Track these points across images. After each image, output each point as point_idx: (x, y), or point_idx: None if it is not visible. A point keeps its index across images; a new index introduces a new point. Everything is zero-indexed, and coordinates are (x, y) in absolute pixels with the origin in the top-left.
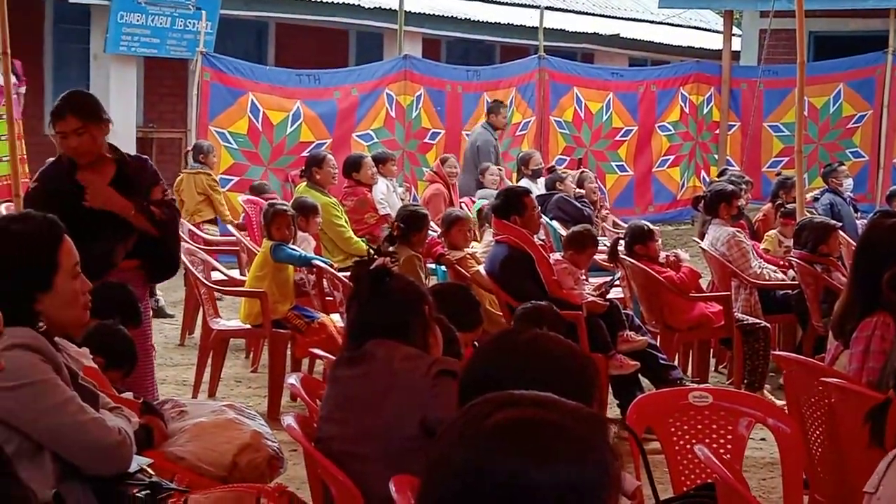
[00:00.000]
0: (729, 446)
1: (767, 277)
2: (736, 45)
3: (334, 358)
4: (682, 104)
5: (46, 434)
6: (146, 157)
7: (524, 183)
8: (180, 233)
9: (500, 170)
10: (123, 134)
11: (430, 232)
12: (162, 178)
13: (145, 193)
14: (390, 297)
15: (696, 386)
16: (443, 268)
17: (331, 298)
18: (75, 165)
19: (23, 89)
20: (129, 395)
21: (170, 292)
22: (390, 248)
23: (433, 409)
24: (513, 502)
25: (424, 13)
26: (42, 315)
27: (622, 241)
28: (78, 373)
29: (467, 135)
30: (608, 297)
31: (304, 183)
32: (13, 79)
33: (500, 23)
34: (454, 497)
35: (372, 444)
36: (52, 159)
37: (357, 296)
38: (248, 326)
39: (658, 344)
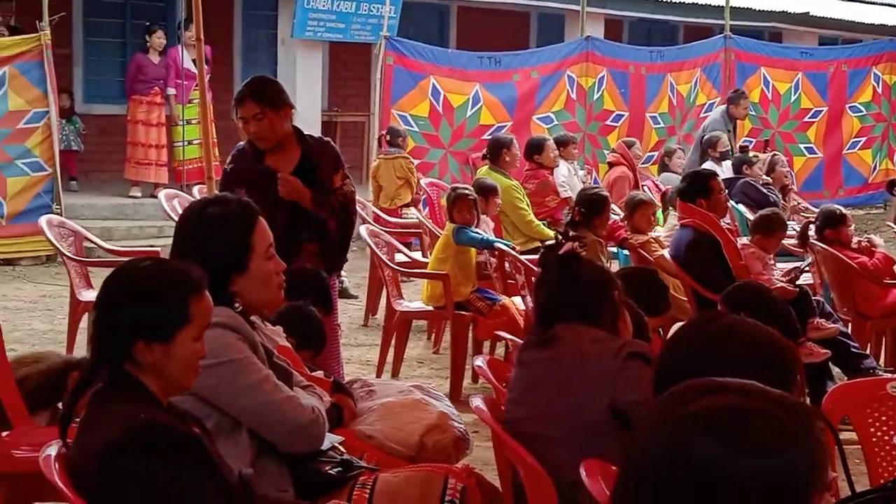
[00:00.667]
0: None
1: None
2: None
3: (517, 340)
4: (875, 84)
5: (243, 411)
6: (329, 139)
7: (709, 165)
8: (357, 218)
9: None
10: (309, 118)
11: (611, 215)
12: (343, 163)
13: (327, 180)
14: (579, 282)
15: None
16: (625, 252)
17: (512, 281)
18: (262, 150)
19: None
20: (319, 373)
21: (353, 274)
22: (571, 233)
23: (623, 392)
24: (713, 492)
25: None
26: (237, 295)
27: (812, 226)
28: (273, 351)
29: (651, 117)
30: (798, 283)
31: (486, 166)
32: None
33: (684, 2)
34: (652, 483)
35: (561, 426)
36: (241, 143)
37: (545, 280)
38: (431, 308)
39: (850, 332)
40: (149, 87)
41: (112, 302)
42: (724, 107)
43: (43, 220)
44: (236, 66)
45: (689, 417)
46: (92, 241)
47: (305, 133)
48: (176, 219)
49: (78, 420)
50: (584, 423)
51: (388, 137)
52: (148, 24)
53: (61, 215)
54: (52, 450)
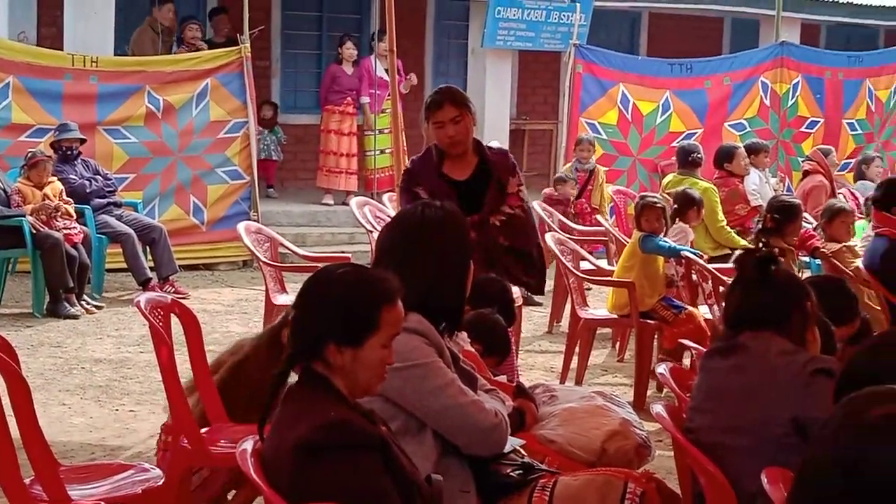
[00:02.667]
0: None
1: None
2: None
3: (702, 349)
4: None
5: (429, 413)
6: (506, 149)
7: None
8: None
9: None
10: (497, 126)
11: (804, 224)
12: (519, 171)
13: (503, 183)
14: (774, 287)
15: None
16: (817, 262)
17: (699, 290)
18: (443, 157)
19: (401, 86)
20: (503, 377)
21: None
22: (762, 240)
23: (806, 409)
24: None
25: None
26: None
27: None
28: (458, 356)
29: (848, 123)
30: None
31: (676, 171)
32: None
33: (884, 6)
34: (833, 488)
35: (743, 437)
36: (417, 155)
37: (740, 282)
38: (616, 316)
39: None
40: (342, 97)
41: (309, 304)
42: None
43: (241, 227)
44: (427, 76)
45: (870, 422)
46: (286, 247)
47: (483, 144)
48: (367, 226)
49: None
50: (767, 435)
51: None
52: (341, 35)
53: (258, 222)
54: (248, 444)
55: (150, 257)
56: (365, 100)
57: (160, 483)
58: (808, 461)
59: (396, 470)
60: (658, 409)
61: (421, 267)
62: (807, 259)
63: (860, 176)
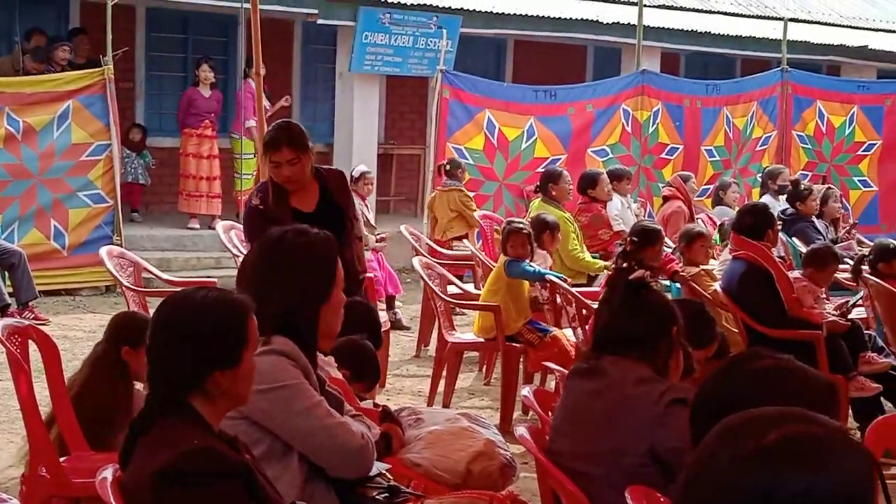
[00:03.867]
0: None
1: None
2: None
3: (566, 372)
4: None
5: (295, 435)
6: (340, 169)
7: (767, 199)
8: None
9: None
10: (365, 151)
11: (664, 248)
12: (351, 192)
13: (345, 205)
14: (643, 311)
15: None
16: (677, 285)
17: (564, 313)
18: (283, 192)
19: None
20: (369, 403)
21: (407, 305)
22: (623, 264)
23: (662, 439)
24: None
25: (663, 27)
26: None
27: (866, 260)
28: (325, 380)
29: (706, 150)
30: (850, 316)
31: (540, 198)
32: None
33: (741, 36)
34: None
35: (602, 465)
36: (264, 182)
37: (609, 302)
38: (482, 340)
39: None
40: (199, 120)
41: (175, 339)
42: None
43: (103, 251)
44: (295, 101)
45: (768, 450)
46: (151, 272)
47: (318, 166)
48: (233, 250)
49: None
50: (625, 464)
51: (447, 167)
52: (199, 58)
53: (121, 246)
54: (108, 473)
55: (8, 283)
56: (251, 123)
57: None
58: (702, 494)
59: (260, 499)
60: (521, 431)
61: (281, 289)
62: (667, 283)
63: (718, 202)
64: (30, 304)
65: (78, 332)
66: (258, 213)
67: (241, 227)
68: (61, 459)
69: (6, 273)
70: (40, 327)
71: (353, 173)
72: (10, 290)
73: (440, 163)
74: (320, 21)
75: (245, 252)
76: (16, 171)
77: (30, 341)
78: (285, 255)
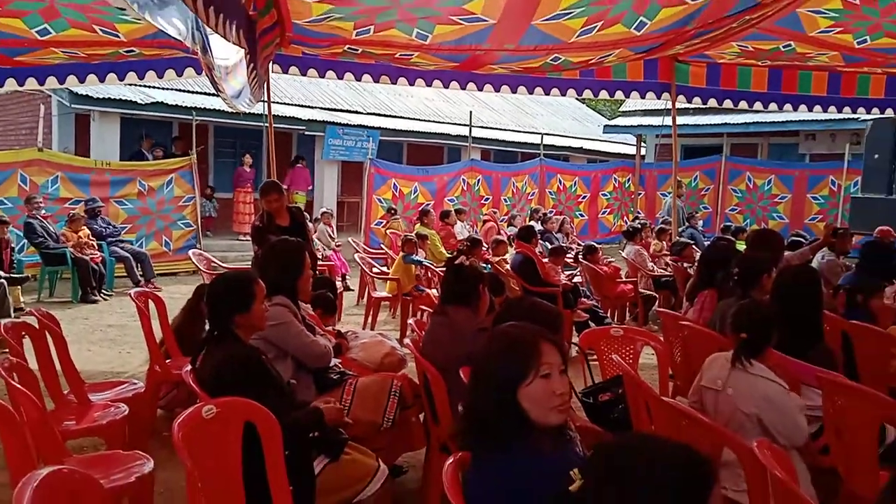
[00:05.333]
0: (631, 358)
1: (655, 271)
2: (642, 151)
3: (432, 311)
4: (614, 182)
5: (290, 347)
6: (299, 206)
7: (532, 223)
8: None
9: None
10: (330, 199)
11: (482, 248)
12: (305, 217)
13: (306, 228)
14: (463, 278)
15: (616, 325)
16: (488, 266)
17: (433, 281)
18: (272, 216)
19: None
20: (330, 328)
21: (352, 278)
22: (462, 256)
23: (474, 349)
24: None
25: (483, 137)
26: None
27: (581, 253)
28: (305, 316)
29: (504, 199)
30: (573, 280)
31: (419, 223)
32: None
33: (518, 141)
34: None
35: (444, 357)
36: (258, 217)
37: (446, 276)
38: (391, 295)
39: (599, 304)
40: (244, 183)
41: (215, 295)
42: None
43: (191, 252)
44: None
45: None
46: (216, 263)
47: (290, 205)
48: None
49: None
50: (456, 359)
51: (393, 212)
52: (243, 151)
53: (201, 250)
54: (188, 368)
55: (140, 269)
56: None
57: (142, 391)
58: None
59: (271, 378)
60: (407, 341)
61: (276, 269)
62: (484, 264)
63: (510, 224)
64: (151, 280)
65: (176, 295)
66: (259, 228)
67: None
68: (167, 361)
69: (138, 264)
70: (156, 293)
71: (323, 210)
72: (141, 272)
73: (389, 207)
74: (306, 133)
75: (255, 251)
76: (144, 210)
77: (150, 300)
78: (278, 251)
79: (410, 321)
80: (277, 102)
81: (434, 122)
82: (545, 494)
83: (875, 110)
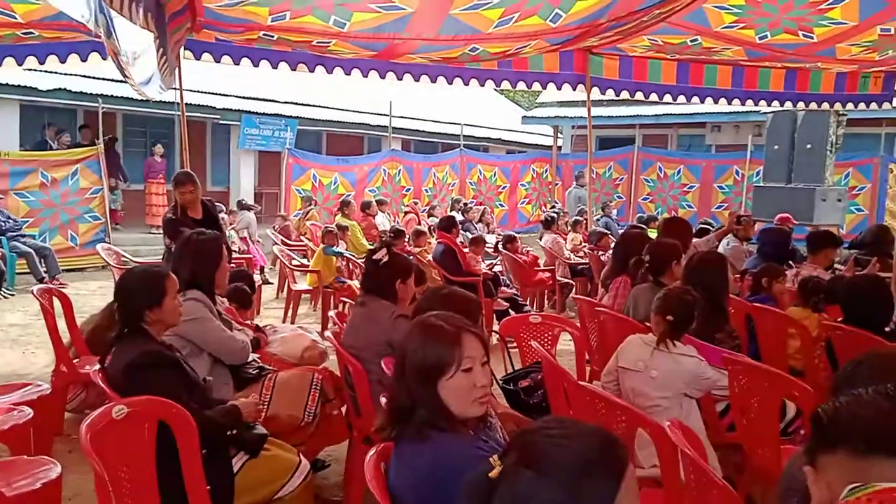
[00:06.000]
0: (549, 344)
1: (571, 260)
2: (559, 142)
3: (353, 302)
4: (533, 172)
5: (206, 343)
6: (212, 199)
7: (454, 213)
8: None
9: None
10: (247, 190)
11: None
12: (216, 213)
13: (216, 218)
14: (382, 270)
15: (535, 313)
16: (411, 257)
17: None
18: (185, 209)
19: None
20: (248, 322)
21: (273, 271)
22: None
23: (393, 336)
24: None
25: (404, 127)
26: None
27: (500, 243)
28: (222, 311)
29: (425, 189)
30: (494, 269)
31: (340, 214)
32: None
33: (439, 132)
34: None
35: (366, 349)
36: (171, 209)
37: (366, 268)
38: (311, 288)
39: (518, 293)
40: (155, 174)
41: (126, 292)
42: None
43: (99, 247)
44: (208, 163)
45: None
46: (126, 257)
47: (203, 198)
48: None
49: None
50: (376, 348)
51: (309, 203)
52: (153, 140)
53: (109, 244)
54: (96, 367)
55: (43, 265)
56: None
57: (48, 393)
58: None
59: (185, 375)
60: (328, 334)
61: (190, 264)
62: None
63: (430, 214)
64: (56, 276)
65: (83, 292)
66: (171, 220)
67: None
68: (74, 361)
69: (42, 260)
70: (61, 289)
71: (240, 201)
72: (45, 269)
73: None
74: (221, 122)
75: (167, 244)
76: (47, 203)
77: (54, 297)
78: (194, 244)
79: (331, 313)
80: (190, 90)
81: (354, 111)
82: (462, 482)
83: (775, 103)
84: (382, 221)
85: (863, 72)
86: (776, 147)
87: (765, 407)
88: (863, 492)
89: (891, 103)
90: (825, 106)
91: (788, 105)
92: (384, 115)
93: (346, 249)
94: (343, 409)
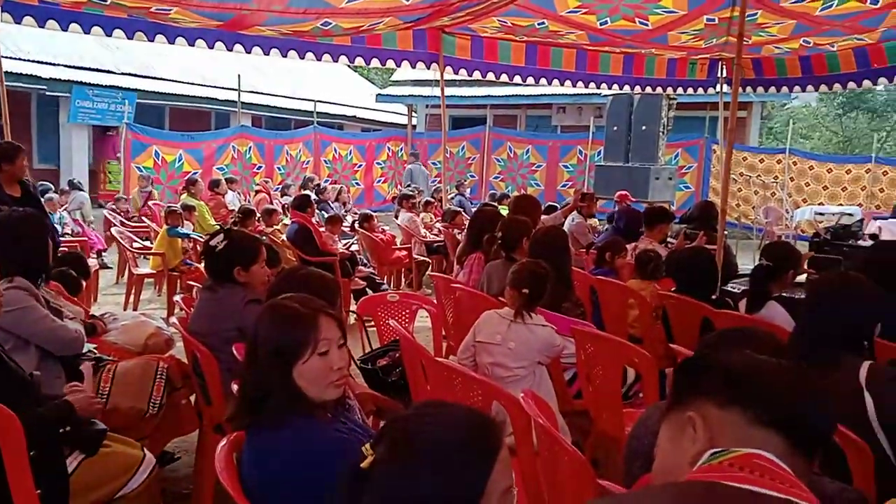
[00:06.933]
0: (406, 321)
1: (427, 237)
2: (414, 121)
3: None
4: (388, 151)
5: (32, 335)
6: (28, 179)
7: (307, 192)
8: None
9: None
10: (81, 168)
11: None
12: (37, 193)
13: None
14: (219, 257)
15: (392, 291)
16: (263, 237)
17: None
18: (2, 185)
19: None
20: (79, 309)
21: (111, 253)
22: (234, 228)
23: (244, 321)
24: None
25: (254, 102)
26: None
27: (357, 221)
28: (50, 300)
29: (278, 167)
30: (350, 249)
31: (186, 193)
32: None
33: (290, 108)
34: None
35: (215, 335)
36: None
37: (204, 254)
38: (155, 272)
39: (375, 272)
40: None
41: None
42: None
43: None
44: (34, 141)
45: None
46: None
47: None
48: None
49: None
50: (226, 334)
51: (146, 182)
52: None
53: None
54: None
55: None
56: None
57: None
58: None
59: (9, 369)
60: (174, 320)
61: (11, 247)
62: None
63: (284, 193)
64: None
65: None
66: None
67: None
68: None
69: None
70: None
71: (71, 181)
72: None
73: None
74: (48, 93)
75: None
76: None
77: None
78: (14, 224)
79: (177, 298)
80: (11, 58)
81: (200, 85)
82: (325, 467)
83: (615, 86)
84: (232, 200)
85: (691, 58)
86: (615, 128)
87: (608, 373)
88: (724, 457)
89: (714, 88)
90: (658, 90)
91: (626, 88)
92: (233, 89)
93: (193, 230)
94: (192, 398)
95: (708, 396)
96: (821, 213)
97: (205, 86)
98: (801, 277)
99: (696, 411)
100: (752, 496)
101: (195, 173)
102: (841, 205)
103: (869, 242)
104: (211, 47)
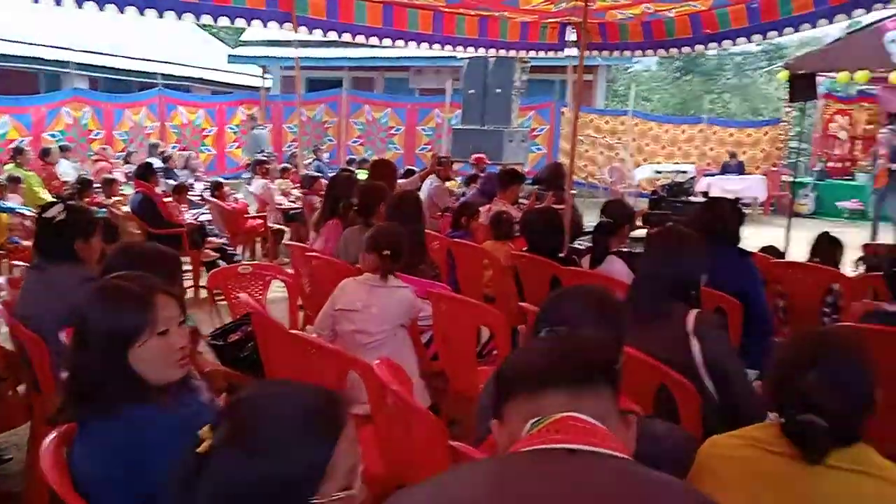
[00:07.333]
0: (259, 293)
1: (283, 204)
2: (268, 83)
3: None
4: (241, 115)
5: None
6: None
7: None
8: None
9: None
10: None
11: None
12: None
13: None
14: (58, 229)
15: (245, 262)
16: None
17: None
18: None
19: None
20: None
21: None
22: (71, 201)
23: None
24: None
25: (90, 63)
26: None
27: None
28: None
29: (118, 134)
30: (200, 219)
31: (12, 164)
32: None
33: (128, 69)
34: None
35: (46, 320)
36: None
37: (38, 228)
38: None
39: (228, 242)
40: None
41: None
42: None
43: None
44: None
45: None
46: None
47: None
48: None
49: None
50: (59, 319)
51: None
52: None
53: None
54: None
55: None
56: None
57: None
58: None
59: None
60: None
61: None
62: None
63: (126, 161)
64: None
65: None
66: None
67: None
68: None
69: None
70: None
71: None
72: None
73: None
74: None
75: None
76: None
77: None
78: None
79: (2, 279)
80: None
81: (24, 43)
82: (158, 459)
83: (470, 49)
84: (67, 171)
85: (542, 22)
86: (471, 91)
87: (462, 334)
88: (543, 423)
89: (562, 51)
90: (512, 53)
91: (482, 51)
92: (64, 48)
93: (21, 204)
94: (20, 389)
95: (513, 401)
96: (659, 171)
97: (30, 44)
98: (642, 232)
99: (507, 406)
100: (567, 454)
101: (21, 141)
102: (677, 163)
103: (701, 199)
104: (36, 2)
